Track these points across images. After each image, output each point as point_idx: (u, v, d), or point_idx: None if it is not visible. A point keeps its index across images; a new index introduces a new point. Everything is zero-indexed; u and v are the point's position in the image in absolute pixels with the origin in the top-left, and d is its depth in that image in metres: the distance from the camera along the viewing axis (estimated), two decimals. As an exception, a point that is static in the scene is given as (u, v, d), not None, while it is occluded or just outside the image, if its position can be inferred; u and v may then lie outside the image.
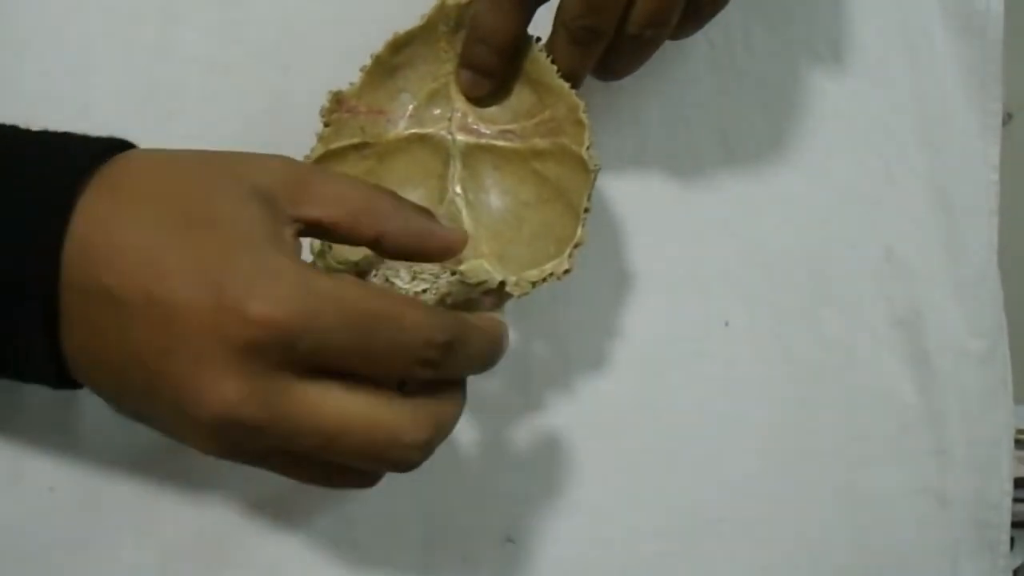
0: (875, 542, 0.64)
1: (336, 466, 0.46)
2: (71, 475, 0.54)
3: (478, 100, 0.55)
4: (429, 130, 0.55)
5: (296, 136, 0.54)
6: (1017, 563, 1.37)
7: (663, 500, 0.61)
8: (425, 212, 0.49)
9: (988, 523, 0.68)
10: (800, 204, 0.65)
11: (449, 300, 0.49)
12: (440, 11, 0.54)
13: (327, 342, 0.43)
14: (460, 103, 0.55)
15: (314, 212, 0.46)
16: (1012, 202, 0.77)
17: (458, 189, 0.55)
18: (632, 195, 0.62)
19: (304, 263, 0.45)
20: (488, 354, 0.48)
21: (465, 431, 0.59)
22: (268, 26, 0.57)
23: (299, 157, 0.54)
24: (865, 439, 0.65)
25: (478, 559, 0.59)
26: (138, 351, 0.44)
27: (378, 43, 0.54)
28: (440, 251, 0.49)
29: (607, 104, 0.56)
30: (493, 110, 0.55)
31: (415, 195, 0.55)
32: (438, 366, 0.45)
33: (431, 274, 0.49)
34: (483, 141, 0.55)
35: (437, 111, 0.55)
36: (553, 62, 0.53)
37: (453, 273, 0.49)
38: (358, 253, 0.50)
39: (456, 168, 0.55)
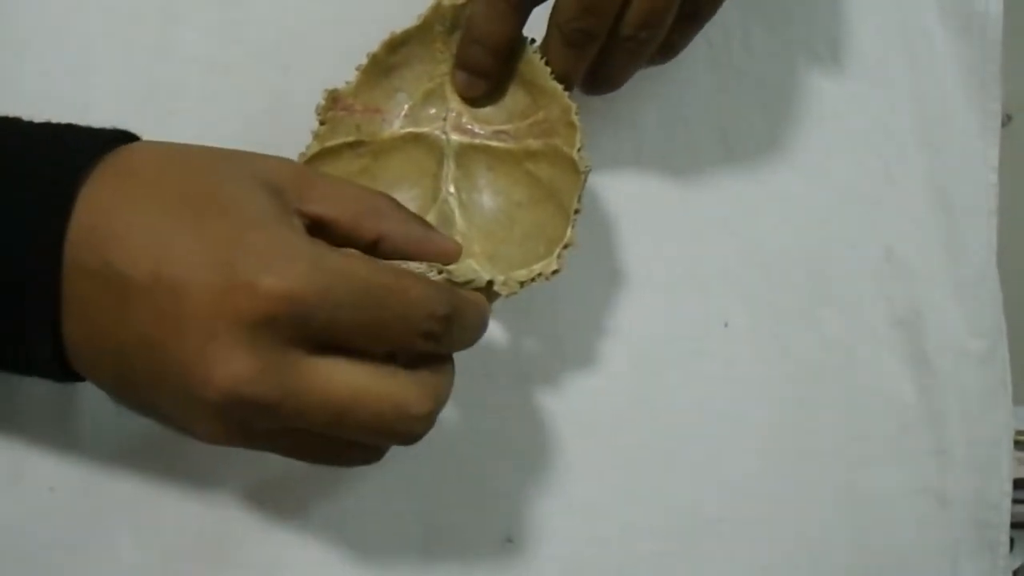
0: (875, 542, 0.64)
1: (342, 443, 0.47)
2: (71, 475, 0.54)
3: (473, 100, 0.55)
4: (424, 129, 0.55)
5: (296, 136, 0.54)
6: (1017, 564, 1.37)
7: (662, 499, 0.61)
8: (422, 220, 0.50)
9: (988, 523, 0.68)
10: (799, 204, 0.65)
11: None
12: (436, 11, 0.54)
13: (338, 316, 0.43)
14: (455, 103, 0.55)
15: (318, 209, 0.47)
16: (1011, 202, 0.77)
17: (452, 188, 0.55)
18: (631, 195, 0.62)
19: (314, 240, 0.45)
20: (479, 327, 0.49)
21: (464, 430, 0.59)
22: (268, 26, 0.57)
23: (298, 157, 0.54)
24: (865, 439, 0.65)
25: (477, 558, 0.59)
26: (144, 332, 0.44)
27: (377, 43, 0.54)
28: (436, 258, 0.49)
29: (606, 104, 0.57)
30: (487, 110, 0.56)
31: (409, 194, 0.55)
32: (439, 338, 0.46)
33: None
34: (477, 141, 0.55)
35: (432, 111, 0.56)
36: (547, 64, 0.54)
37: (440, 272, 0.49)
38: None
39: (450, 168, 0.55)
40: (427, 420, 0.46)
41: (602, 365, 0.61)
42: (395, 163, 0.55)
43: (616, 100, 0.56)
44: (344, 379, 0.44)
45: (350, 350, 0.45)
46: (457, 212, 0.55)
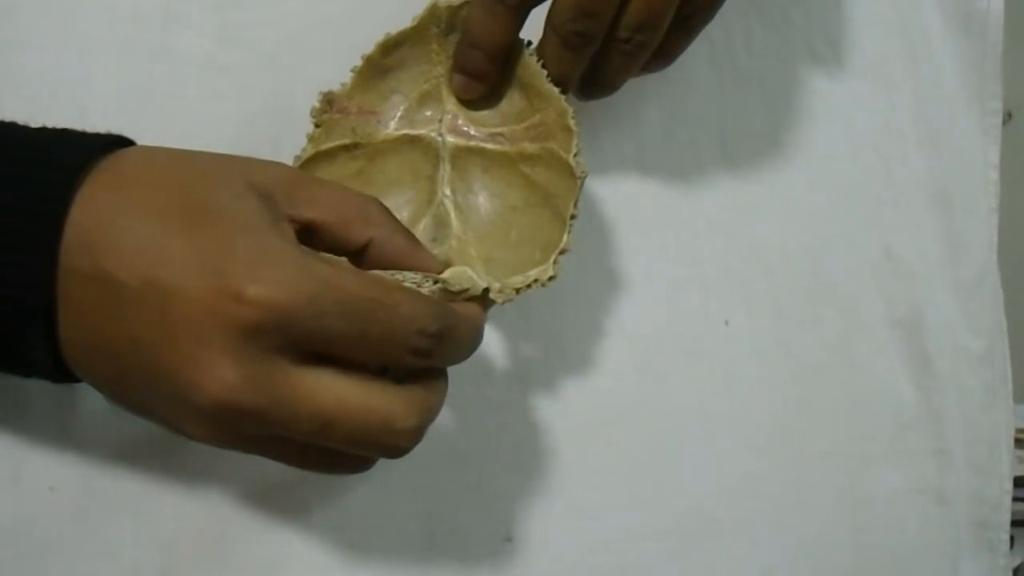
0: (875, 542, 0.64)
1: (330, 451, 0.47)
2: (71, 475, 0.55)
3: (469, 103, 0.55)
4: (420, 131, 0.55)
5: (296, 136, 0.54)
6: (1017, 562, 1.37)
7: (662, 500, 0.61)
8: (408, 232, 0.50)
9: (988, 522, 0.68)
10: (800, 204, 0.65)
11: None
12: (432, 13, 0.54)
13: (325, 327, 0.44)
14: (451, 105, 0.55)
15: (308, 213, 0.47)
16: (1012, 202, 0.77)
17: (447, 191, 0.55)
18: (631, 194, 0.62)
19: (304, 249, 0.45)
20: (473, 343, 0.49)
21: (464, 431, 0.59)
22: (268, 27, 0.57)
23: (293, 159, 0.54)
24: (865, 439, 0.65)
25: (477, 558, 0.59)
26: (136, 336, 0.44)
27: (372, 44, 0.54)
28: (419, 268, 0.49)
29: (606, 104, 0.56)
30: (484, 113, 0.55)
31: (405, 196, 0.55)
32: (429, 355, 0.46)
33: (413, 281, 0.49)
34: (473, 144, 0.55)
35: (428, 113, 0.55)
36: (543, 66, 0.53)
37: (436, 281, 0.49)
38: None
39: (446, 170, 0.55)
40: (413, 435, 0.46)
41: (602, 364, 0.61)
42: (391, 166, 0.55)
43: (617, 100, 0.56)
44: (331, 391, 0.45)
45: (340, 362, 0.45)
46: (453, 215, 0.55)
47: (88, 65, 0.55)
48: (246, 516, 0.56)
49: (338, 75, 0.54)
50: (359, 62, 0.54)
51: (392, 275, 0.49)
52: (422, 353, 0.46)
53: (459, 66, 0.54)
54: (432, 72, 0.55)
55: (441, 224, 0.55)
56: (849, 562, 0.64)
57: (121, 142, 0.48)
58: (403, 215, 0.54)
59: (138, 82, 0.55)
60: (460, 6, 0.53)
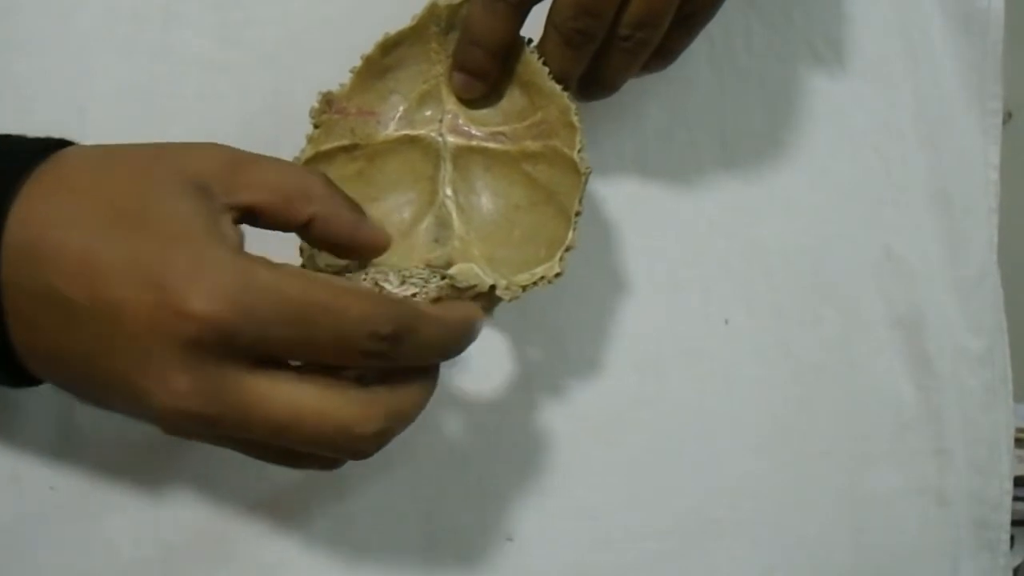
0: (875, 542, 0.64)
1: (292, 456, 0.47)
2: (71, 475, 0.55)
3: (469, 102, 0.55)
4: (420, 132, 0.55)
5: (296, 136, 0.54)
6: (1017, 562, 1.37)
7: (662, 500, 0.61)
8: (357, 206, 0.49)
9: (988, 522, 0.68)
10: (800, 203, 0.64)
11: None
12: (431, 12, 0.54)
13: (267, 334, 0.43)
14: (451, 104, 0.55)
15: (246, 197, 0.46)
16: (1012, 201, 0.77)
17: (449, 191, 0.55)
18: (632, 194, 0.62)
19: (244, 254, 0.45)
20: (446, 343, 0.48)
21: (465, 431, 0.59)
22: (268, 26, 0.57)
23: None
24: (865, 439, 0.65)
25: (478, 558, 0.59)
26: (87, 350, 0.45)
27: (371, 44, 0.54)
28: (366, 246, 0.49)
29: (607, 104, 0.56)
30: (484, 112, 0.55)
31: (406, 197, 0.55)
32: (383, 357, 0.45)
33: (420, 278, 0.49)
34: (474, 143, 0.55)
35: (428, 112, 0.55)
36: (544, 64, 0.53)
37: (443, 277, 0.49)
38: None
39: (447, 170, 0.55)
40: (373, 440, 0.46)
41: (602, 364, 0.61)
42: (391, 166, 0.55)
43: (617, 100, 0.56)
44: (284, 396, 0.44)
45: (298, 365, 0.45)
46: (455, 215, 0.55)
47: (88, 65, 0.55)
48: (246, 516, 0.56)
49: (338, 75, 0.54)
50: (358, 62, 0.54)
51: (399, 272, 0.49)
52: (375, 355, 0.45)
53: (459, 64, 0.54)
54: (431, 72, 0.55)
55: (443, 225, 0.55)
56: (849, 562, 0.64)
57: (58, 144, 0.48)
58: (404, 216, 0.54)
59: (138, 82, 0.55)
60: (460, 4, 0.53)
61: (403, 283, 0.49)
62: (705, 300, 0.63)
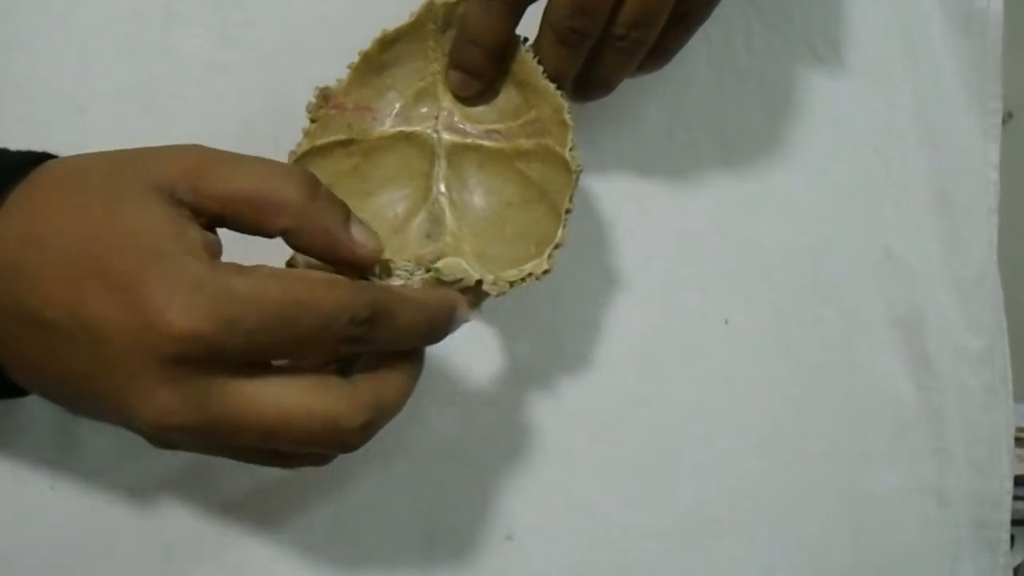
0: (875, 542, 0.64)
1: (283, 457, 0.47)
2: (71, 475, 0.55)
3: (465, 99, 0.55)
4: (415, 128, 0.55)
5: (296, 136, 0.54)
6: (1017, 561, 1.37)
7: (662, 499, 0.61)
8: (344, 210, 0.48)
9: (988, 522, 0.68)
10: (800, 203, 0.64)
11: None
12: (428, 10, 0.54)
13: (253, 342, 0.43)
14: (447, 102, 0.55)
15: (212, 206, 0.46)
16: (1012, 201, 0.77)
17: (443, 188, 0.55)
18: (631, 193, 0.62)
19: (218, 264, 0.44)
20: (425, 325, 0.48)
21: (464, 429, 0.59)
22: (268, 26, 0.57)
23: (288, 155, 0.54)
24: (865, 438, 0.65)
25: (477, 557, 0.59)
26: (72, 370, 0.45)
27: (370, 41, 0.54)
28: (348, 259, 0.48)
29: (606, 103, 0.56)
30: (479, 110, 0.55)
31: (401, 193, 0.55)
32: (362, 341, 0.45)
33: (405, 270, 0.50)
34: (469, 140, 0.55)
35: (424, 109, 0.55)
36: (539, 63, 0.53)
37: (428, 270, 0.49)
38: None
39: (441, 167, 0.55)
40: (360, 432, 0.46)
41: (601, 364, 0.61)
42: (386, 162, 0.55)
43: (616, 99, 0.56)
44: (270, 399, 0.44)
45: (281, 365, 0.45)
46: (448, 211, 0.55)
47: (88, 65, 0.55)
48: (246, 516, 0.56)
49: (338, 75, 0.54)
50: (356, 58, 0.54)
51: (386, 264, 0.49)
52: (355, 340, 0.45)
53: (455, 62, 0.54)
54: (428, 69, 0.55)
55: (436, 221, 0.55)
56: (849, 562, 0.64)
57: (38, 159, 0.48)
58: (398, 212, 0.54)
59: (138, 82, 0.55)
60: (456, 3, 0.53)
61: (389, 275, 0.49)
62: (704, 299, 0.63)
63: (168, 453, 0.54)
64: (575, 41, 0.52)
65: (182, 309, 0.43)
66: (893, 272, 0.65)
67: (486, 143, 0.55)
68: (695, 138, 0.63)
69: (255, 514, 0.56)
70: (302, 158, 0.53)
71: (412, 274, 0.49)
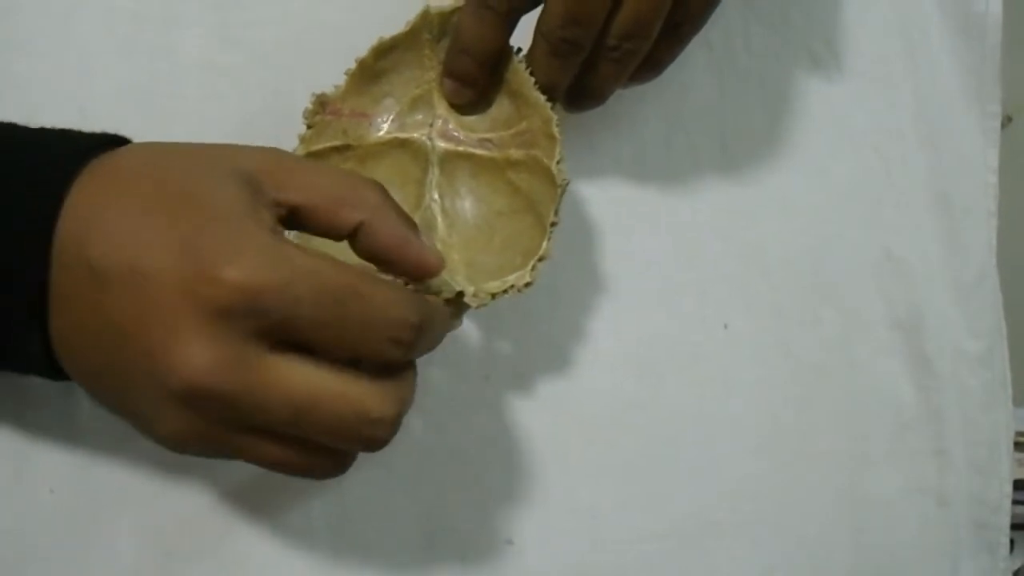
0: (875, 543, 0.64)
1: (305, 450, 0.47)
2: (71, 476, 0.55)
3: (460, 108, 0.55)
4: (411, 135, 0.55)
5: (295, 137, 0.54)
6: (1017, 565, 1.37)
7: (662, 501, 0.61)
8: (412, 224, 0.49)
9: (988, 525, 0.68)
10: (800, 205, 0.65)
11: None
12: (423, 19, 0.54)
13: (299, 312, 0.44)
14: (442, 109, 0.56)
15: (294, 197, 0.47)
16: (1011, 204, 0.77)
17: (435, 195, 0.55)
18: (629, 198, 0.62)
19: (281, 237, 0.45)
20: (441, 338, 0.49)
21: (464, 433, 0.59)
22: (268, 28, 0.57)
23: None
24: (865, 439, 0.65)
25: (478, 560, 0.59)
26: (117, 322, 0.45)
27: (366, 48, 0.54)
28: (414, 263, 0.49)
29: (605, 109, 0.56)
30: (473, 118, 0.56)
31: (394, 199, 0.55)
32: (409, 346, 0.46)
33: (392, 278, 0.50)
34: (462, 148, 0.55)
35: (419, 116, 0.56)
36: (532, 73, 0.54)
37: (407, 283, 0.49)
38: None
39: (434, 174, 0.55)
40: (389, 425, 0.46)
41: (601, 368, 0.61)
42: (381, 168, 0.55)
43: (616, 104, 0.56)
44: (304, 378, 0.45)
45: (313, 352, 0.45)
46: (439, 219, 0.55)
47: (88, 65, 0.55)
48: (246, 517, 0.56)
49: (338, 76, 0.54)
50: (352, 65, 0.54)
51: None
52: (404, 344, 0.46)
53: (449, 71, 0.54)
54: (424, 77, 0.55)
55: (427, 228, 0.55)
56: (849, 562, 0.64)
57: (116, 140, 0.49)
58: None
59: (138, 82, 0.56)
60: (451, 12, 0.54)
61: None
62: (703, 305, 0.63)
63: (167, 456, 0.54)
64: (568, 51, 0.52)
65: (238, 263, 0.43)
66: (893, 273, 0.66)
67: (478, 152, 0.55)
68: (694, 142, 0.63)
69: (256, 516, 0.56)
70: None
71: (395, 282, 0.49)
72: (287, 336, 0.44)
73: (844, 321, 0.65)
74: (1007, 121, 0.72)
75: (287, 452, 0.47)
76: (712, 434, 0.62)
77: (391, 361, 0.46)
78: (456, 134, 0.55)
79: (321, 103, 0.54)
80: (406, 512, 0.58)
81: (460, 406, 0.59)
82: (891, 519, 0.65)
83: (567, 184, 0.53)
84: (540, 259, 0.53)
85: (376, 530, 0.58)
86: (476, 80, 0.54)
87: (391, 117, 0.55)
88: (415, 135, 0.55)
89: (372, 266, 0.49)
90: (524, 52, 0.54)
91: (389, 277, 0.49)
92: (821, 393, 0.64)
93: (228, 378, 0.44)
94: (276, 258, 0.44)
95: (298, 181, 0.47)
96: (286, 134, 0.54)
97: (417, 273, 0.49)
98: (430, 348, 0.48)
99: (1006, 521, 0.68)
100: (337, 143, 0.55)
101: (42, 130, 0.49)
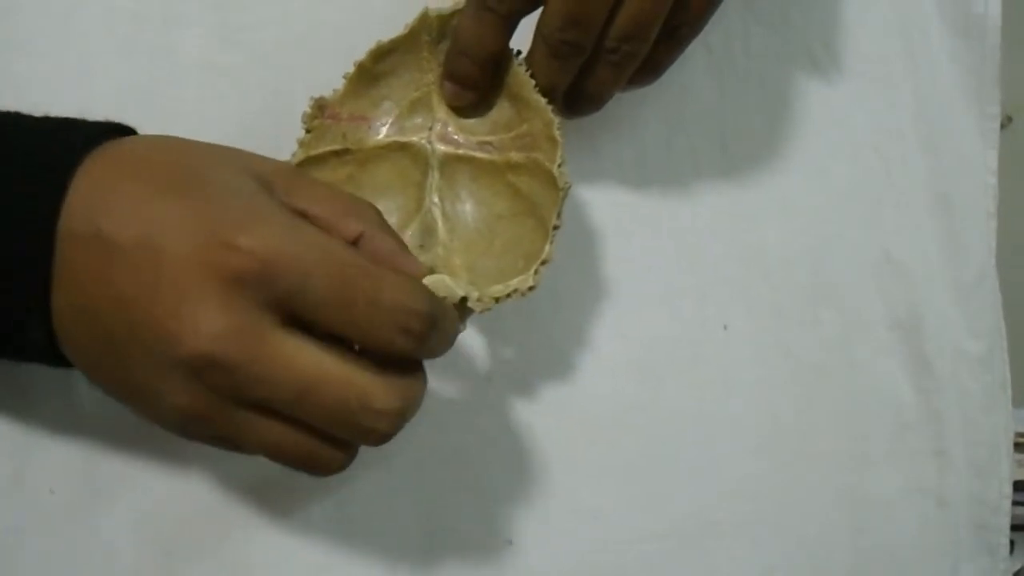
0: (875, 543, 0.64)
1: (306, 437, 0.46)
2: (71, 477, 0.55)
3: (459, 111, 0.55)
4: (410, 138, 0.55)
5: (294, 138, 0.54)
6: (1017, 566, 1.37)
7: (662, 501, 0.61)
8: (399, 238, 0.50)
9: (987, 526, 0.68)
10: (799, 206, 0.65)
11: None
12: (423, 21, 0.54)
13: (310, 287, 0.44)
14: (441, 113, 0.55)
15: (302, 203, 0.47)
16: (1011, 204, 0.77)
17: (435, 199, 0.55)
18: (631, 198, 0.62)
19: (295, 215, 0.46)
20: (452, 340, 0.49)
21: (465, 433, 0.59)
22: (268, 28, 0.57)
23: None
24: (865, 440, 0.65)
25: (478, 560, 0.59)
26: (122, 292, 0.45)
27: (364, 51, 0.54)
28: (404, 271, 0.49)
29: (606, 110, 0.56)
30: (473, 121, 0.56)
31: (394, 203, 0.55)
32: (419, 338, 0.46)
33: None
34: (461, 152, 0.55)
35: (419, 120, 0.55)
36: (532, 76, 0.54)
37: None
38: None
39: (434, 178, 0.55)
40: (393, 418, 0.46)
41: (602, 369, 0.61)
42: (380, 172, 0.55)
43: (616, 107, 0.56)
44: (310, 358, 0.45)
45: (321, 335, 0.45)
46: (440, 222, 0.55)
47: (88, 65, 0.55)
48: (247, 516, 0.56)
49: (338, 76, 0.54)
50: (351, 68, 0.54)
51: None
52: (412, 335, 0.45)
53: (448, 73, 0.54)
54: (423, 80, 0.55)
55: (428, 231, 0.55)
56: (849, 562, 0.64)
57: (125, 130, 0.49)
58: (391, 221, 0.54)
59: (138, 82, 0.56)
60: (450, 15, 0.54)
61: None
62: (704, 307, 0.63)
63: (168, 451, 0.54)
64: (567, 54, 0.52)
65: (253, 232, 0.44)
66: (893, 274, 0.66)
67: (478, 155, 0.55)
68: (695, 144, 0.64)
69: (256, 515, 0.56)
70: (297, 167, 0.54)
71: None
72: (297, 313, 0.44)
73: (844, 322, 0.65)
74: (1007, 121, 0.73)
75: (288, 435, 0.46)
76: (712, 434, 0.62)
77: (401, 353, 0.46)
78: (456, 137, 0.55)
79: (319, 107, 0.54)
80: (406, 512, 0.58)
81: (462, 407, 0.59)
82: (891, 519, 0.65)
83: (569, 187, 0.53)
84: (543, 263, 0.52)
85: (376, 530, 0.58)
86: (476, 83, 0.54)
87: (390, 120, 0.55)
88: (415, 138, 0.55)
89: None
90: (524, 55, 0.54)
91: None
92: (821, 393, 0.64)
93: (237, 347, 0.44)
94: (290, 230, 0.44)
95: (306, 191, 0.48)
96: (286, 134, 0.54)
97: None
98: (441, 347, 0.48)
99: (1006, 522, 0.68)
100: (336, 147, 0.54)
101: (51, 117, 0.49)
